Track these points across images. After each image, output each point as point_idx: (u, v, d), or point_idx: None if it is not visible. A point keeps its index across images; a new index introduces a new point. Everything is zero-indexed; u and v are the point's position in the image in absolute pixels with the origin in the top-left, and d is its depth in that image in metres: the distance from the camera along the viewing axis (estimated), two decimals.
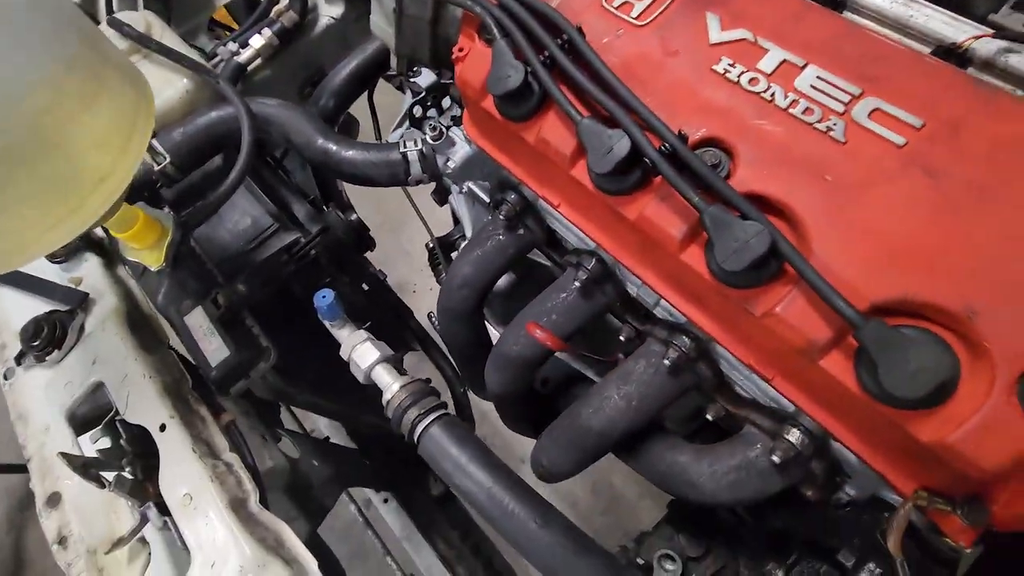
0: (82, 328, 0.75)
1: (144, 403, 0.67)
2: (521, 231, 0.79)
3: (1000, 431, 0.40)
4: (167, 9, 1.38)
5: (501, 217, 0.77)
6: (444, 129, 0.81)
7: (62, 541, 0.65)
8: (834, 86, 0.48)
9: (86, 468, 0.59)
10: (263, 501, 0.63)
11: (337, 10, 1.33)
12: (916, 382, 0.40)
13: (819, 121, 0.48)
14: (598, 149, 0.53)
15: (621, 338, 0.76)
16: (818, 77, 0.49)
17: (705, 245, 0.51)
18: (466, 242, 0.84)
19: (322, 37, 1.33)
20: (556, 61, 0.56)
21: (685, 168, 0.50)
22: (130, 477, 0.61)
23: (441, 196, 1.25)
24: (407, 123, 1.10)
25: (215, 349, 0.69)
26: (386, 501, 1.31)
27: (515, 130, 0.64)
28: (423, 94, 1.04)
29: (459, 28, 0.79)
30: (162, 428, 0.65)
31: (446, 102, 1.04)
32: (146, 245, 0.70)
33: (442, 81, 1.04)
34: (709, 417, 0.71)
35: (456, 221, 1.21)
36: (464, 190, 1.00)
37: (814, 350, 0.47)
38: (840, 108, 0.47)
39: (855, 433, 0.51)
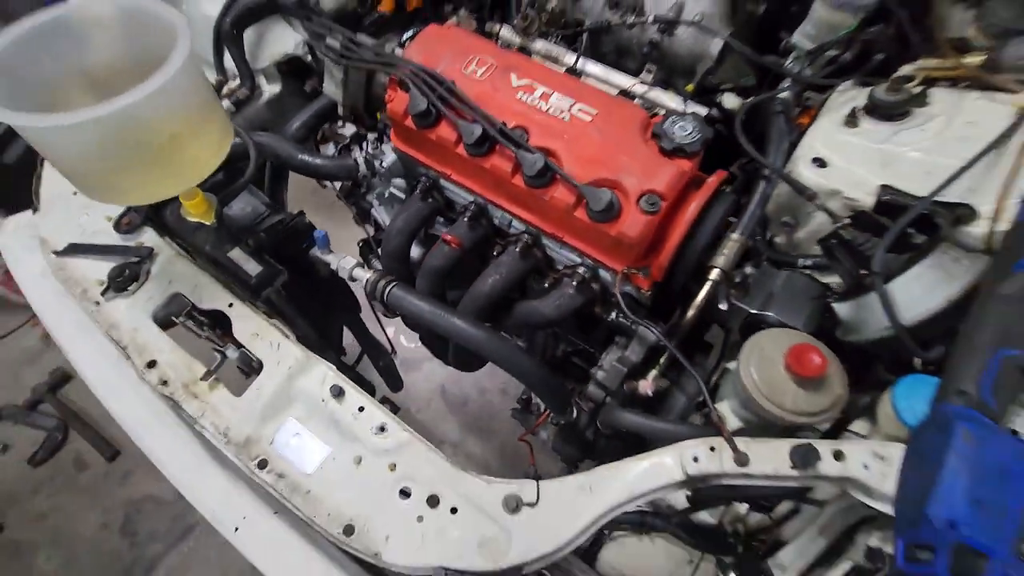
0: (148, 272, 1.16)
1: (215, 295, 1.09)
2: (430, 200, 1.34)
3: (634, 222, 1.02)
4: None
5: (418, 192, 1.33)
6: (381, 146, 1.36)
7: (164, 383, 1.03)
8: (564, 100, 1.12)
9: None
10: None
11: (276, 88, 1.85)
12: (597, 207, 1.01)
13: (560, 114, 1.11)
14: (468, 134, 1.12)
15: (495, 253, 1.33)
16: (557, 96, 1.13)
17: (521, 172, 1.11)
18: (395, 211, 1.37)
19: (265, 106, 1.84)
20: (443, 98, 1.16)
21: (508, 138, 1.10)
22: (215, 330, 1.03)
23: (363, 216, 1.79)
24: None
25: (251, 268, 1.14)
26: None
27: (425, 134, 1.21)
28: (348, 140, 1.60)
29: (384, 87, 1.37)
30: (230, 305, 1.07)
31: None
32: (201, 211, 1.15)
33: (358, 132, 1.60)
34: (546, 285, 1.28)
35: (376, 229, 1.74)
36: (387, 195, 1.55)
37: (571, 208, 1.07)
38: (567, 108, 1.11)
39: (595, 248, 1.11)
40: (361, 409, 0.98)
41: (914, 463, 0.73)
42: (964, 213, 0.96)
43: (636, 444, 1.32)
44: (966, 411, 0.70)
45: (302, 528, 1.13)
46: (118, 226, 1.20)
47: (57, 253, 1.20)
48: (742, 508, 1.12)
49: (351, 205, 1.84)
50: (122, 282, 1.13)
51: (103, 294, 1.13)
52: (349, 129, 1.81)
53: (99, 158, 0.89)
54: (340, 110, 1.44)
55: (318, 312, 1.38)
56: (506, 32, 1.42)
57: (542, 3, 1.43)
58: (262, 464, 0.95)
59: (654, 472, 0.84)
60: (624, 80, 1.29)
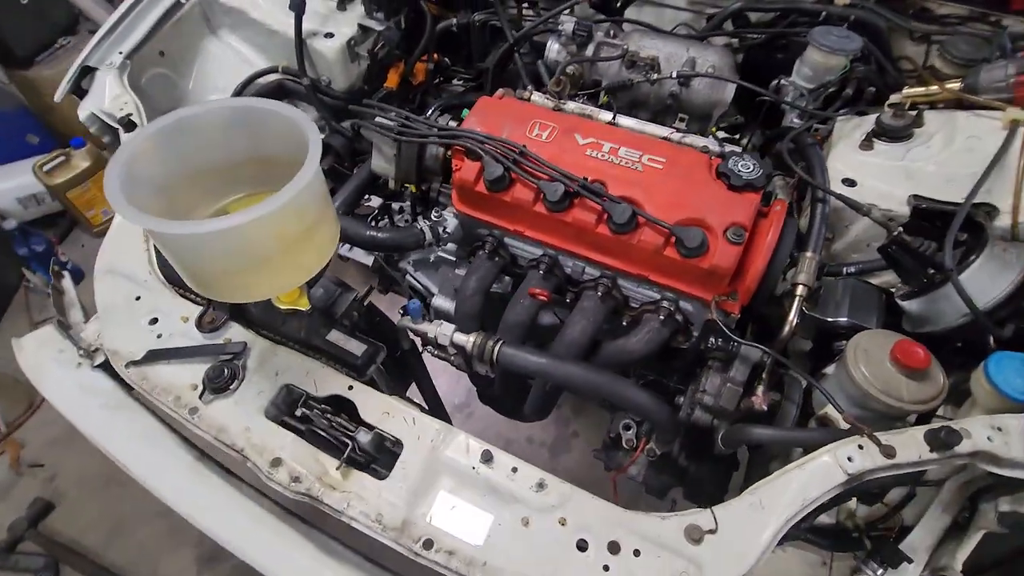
0: (245, 367, 1.12)
1: (331, 380, 1.05)
2: (497, 259, 1.39)
3: (724, 253, 1.12)
4: None
5: (485, 252, 1.37)
6: (442, 212, 1.40)
7: (296, 480, 0.98)
8: (633, 152, 1.23)
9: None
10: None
11: None
12: (692, 244, 1.10)
13: (631, 165, 1.21)
14: (551, 192, 1.19)
15: (567, 300, 1.38)
16: (625, 149, 1.23)
17: (606, 221, 1.18)
18: (465, 272, 1.40)
19: None
20: (516, 162, 1.23)
21: (592, 192, 1.18)
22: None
23: (385, 286, 1.82)
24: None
25: (354, 348, 1.13)
26: None
27: (498, 197, 1.27)
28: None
29: (438, 158, 1.43)
30: (350, 388, 1.05)
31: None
32: (293, 298, 1.14)
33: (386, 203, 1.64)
34: (624, 323, 1.35)
35: (409, 297, 1.74)
36: (431, 259, 1.57)
37: (660, 248, 1.16)
38: (637, 158, 1.22)
39: (683, 283, 1.20)
40: (515, 470, 0.98)
41: None
42: (990, 210, 1.14)
43: (727, 464, 1.39)
44: None
45: None
46: (200, 325, 1.16)
47: (135, 363, 1.13)
48: (852, 504, 1.20)
49: (379, 276, 1.85)
50: (221, 382, 1.08)
51: (201, 397, 1.08)
52: (376, 200, 1.84)
53: (226, 260, 0.88)
54: (391, 183, 1.48)
55: (404, 383, 1.37)
56: (537, 97, 1.52)
57: (561, 68, 1.56)
58: (427, 544, 0.92)
59: (819, 476, 0.91)
60: (659, 131, 1.43)
